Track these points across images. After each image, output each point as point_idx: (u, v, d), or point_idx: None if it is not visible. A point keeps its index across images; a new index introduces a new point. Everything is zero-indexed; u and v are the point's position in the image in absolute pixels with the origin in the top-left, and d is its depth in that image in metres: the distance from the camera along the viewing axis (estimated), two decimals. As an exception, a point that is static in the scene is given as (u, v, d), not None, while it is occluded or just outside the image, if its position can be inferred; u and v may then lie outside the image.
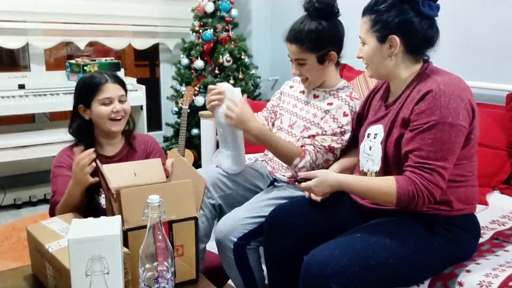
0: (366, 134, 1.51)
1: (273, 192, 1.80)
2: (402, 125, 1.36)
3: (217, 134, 1.87)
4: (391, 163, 1.40)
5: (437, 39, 1.40)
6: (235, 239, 1.66)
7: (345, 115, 1.71)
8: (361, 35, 1.43)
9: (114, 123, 1.66)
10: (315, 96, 1.81)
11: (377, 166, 1.43)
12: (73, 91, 1.71)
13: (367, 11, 1.41)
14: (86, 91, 1.65)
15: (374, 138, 1.46)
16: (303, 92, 1.88)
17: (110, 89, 1.65)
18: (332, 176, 1.41)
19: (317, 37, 1.67)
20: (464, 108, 1.29)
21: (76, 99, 1.69)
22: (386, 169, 1.42)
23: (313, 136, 1.72)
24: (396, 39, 1.36)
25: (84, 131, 1.69)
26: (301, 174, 1.46)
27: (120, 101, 1.68)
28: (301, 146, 1.73)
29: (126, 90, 1.73)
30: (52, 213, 1.61)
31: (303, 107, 1.84)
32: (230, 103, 1.73)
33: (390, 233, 1.35)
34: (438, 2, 1.38)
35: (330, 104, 1.75)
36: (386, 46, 1.38)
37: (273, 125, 1.97)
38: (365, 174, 1.49)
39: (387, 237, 1.34)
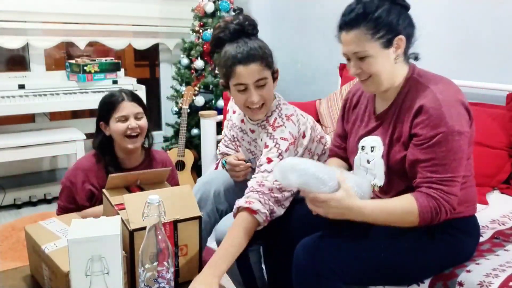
0: (360, 147, 1.46)
1: None
2: (405, 142, 1.32)
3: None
4: (396, 177, 1.37)
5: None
6: None
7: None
8: (357, 49, 1.31)
9: (130, 141, 1.74)
10: (252, 131, 1.69)
11: (380, 181, 1.40)
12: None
13: (357, 22, 1.29)
14: (105, 109, 1.76)
15: (372, 151, 1.41)
16: (242, 121, 1.75)
17: (126, 107, 1.75)
18: (354, 198, 1.24)
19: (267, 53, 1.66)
20: (464, 114, 1.27)
21: (98, 116, 1.80)
22: (390, 183, 1.39)
23: None
24: (403, 39, 1.31)
25: (106, 146, 1.79)
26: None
27: (136, 118, 1.76)
28: None
29: (144, 107, 1.81)
30: None
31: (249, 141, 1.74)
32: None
33: (386, 231, 1.34)
34: None
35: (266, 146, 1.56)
36: (392, 49, 1.32)
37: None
38: None
39: (382, 234, 1.34)
